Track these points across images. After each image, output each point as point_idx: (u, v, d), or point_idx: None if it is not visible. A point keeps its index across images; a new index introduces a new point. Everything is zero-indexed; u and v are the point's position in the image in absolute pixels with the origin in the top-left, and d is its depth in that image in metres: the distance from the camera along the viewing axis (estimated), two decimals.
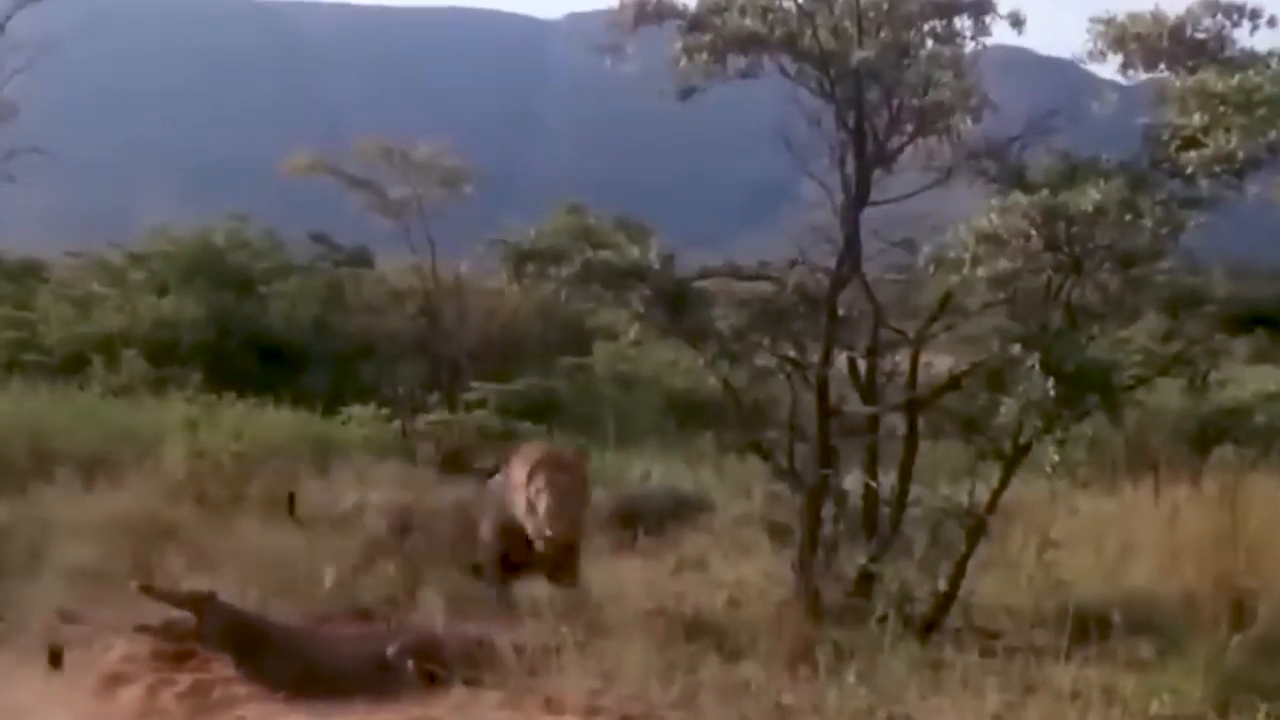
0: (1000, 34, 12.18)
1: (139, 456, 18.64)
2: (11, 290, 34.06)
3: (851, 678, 9.72)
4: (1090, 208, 10.42)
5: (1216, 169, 10.81)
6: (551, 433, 23.65)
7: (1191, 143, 10.87)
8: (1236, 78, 10.69)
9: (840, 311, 12.47)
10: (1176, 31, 11.31)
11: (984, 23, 11.99)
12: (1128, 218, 10.51)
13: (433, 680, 10.20)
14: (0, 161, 21.27)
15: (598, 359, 29.37)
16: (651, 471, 20.65)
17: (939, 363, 13.17)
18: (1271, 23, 11.34)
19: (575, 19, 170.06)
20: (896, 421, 12.57)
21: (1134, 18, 11.34)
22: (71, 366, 27.71)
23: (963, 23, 12.02)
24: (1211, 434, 19.14)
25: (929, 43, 12.10)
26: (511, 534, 12.11)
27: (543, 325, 31.38)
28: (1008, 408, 10.86)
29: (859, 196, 12.17)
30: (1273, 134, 10.52)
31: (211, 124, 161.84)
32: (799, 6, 11.97)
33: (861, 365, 12.52)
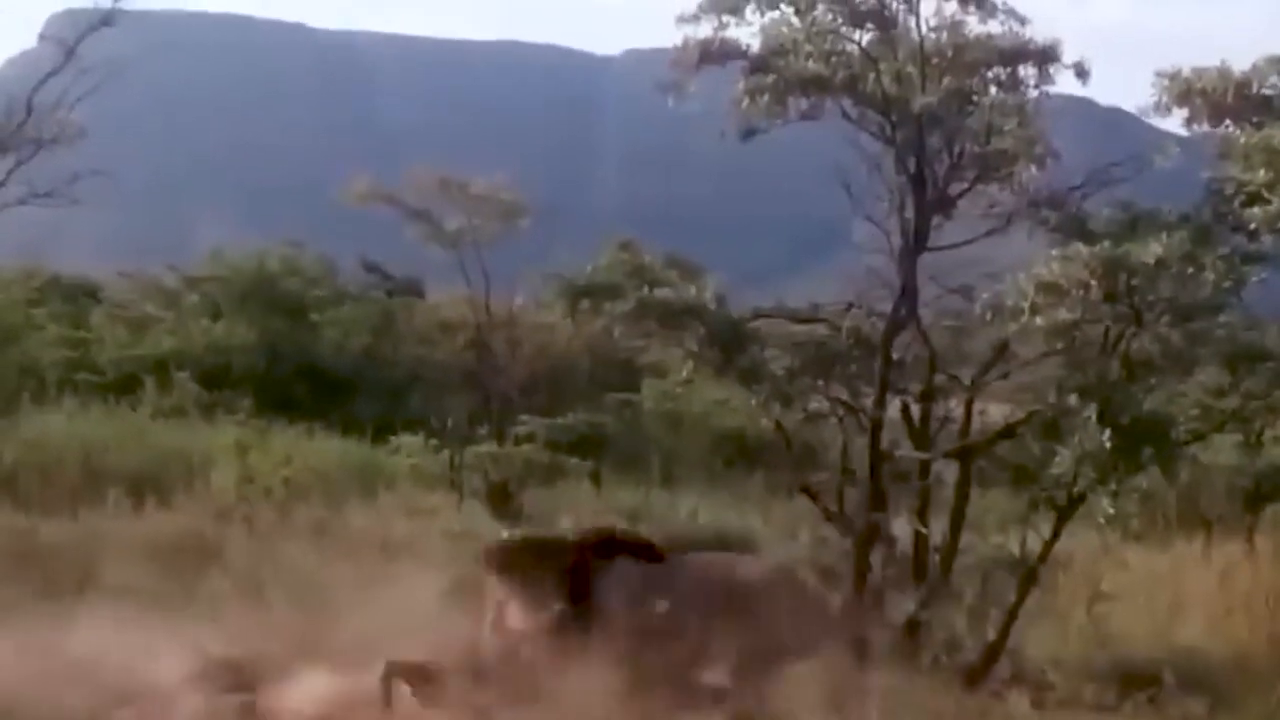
0: (1058, 83, 12.19)
1: (188, 478, 18.74)
2: (66, 310, 34.31)
3: None
4: (1152, 260, 10.38)
5: None
6: (599, 470, 23.63)
7: (1255, 198, 10.81)
8: None
9: (894, 356, 12.42)
10: (1242, 87, 11.25)
11: (1048, 71, 11.97)
12: (1189, 271, 10.46)
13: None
14: (65, 184, 21.40)
15: (646, 396, 29.32)
16: (698, 511, 20.57)
17: (992, 411, 13.10)
18: None
19: (633, 55, 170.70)
20: (944, 468, 12.51)
21: (1199, 72, 11.29)
22: (123, 387, 27.84)
23: (1027, 71, 12.00)
24: (1265, 491, 18.92)
25: (992, 90, 12.09)
26: None
27: (592, 361, 31.36)
28: (1063, 458, 10.80)
29: (917, 241, 12.13)
30: None
31: (268, 149, 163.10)
32: (863, 50, 11.97)
33: (915, 410, 12.46)
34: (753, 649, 10.08)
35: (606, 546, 10.51)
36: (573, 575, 10.30)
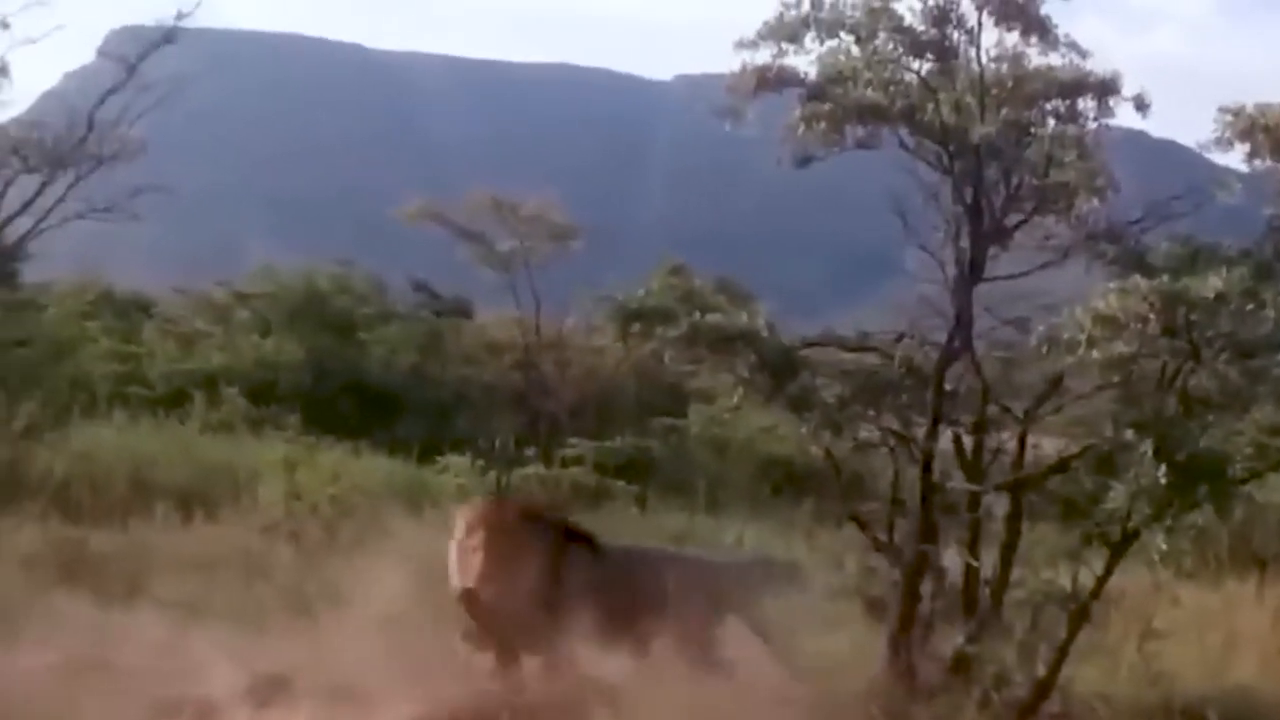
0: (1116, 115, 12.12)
1: (235, 493, 18.82)
2: (118, 324, 34.57)
3: None
4: (1212, 295, 10.28)
5: None
6: (645, 494, 23.61)
7: None
8: None
9: (947, 387, 12.34)
10: None
11: (1108, 104, 11.89)
12: (1249, 307, 10.36)
13: None
14: (125, 199, 21.61)
15: (693, 421, 29.30)
16: (743, 537, 20.49)
17: (1045, 444, 13.00)
18: None
19: (684, 80, 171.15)
20: (994, 501, 12.40)
21: (1263, 108, 11.21)
22: (173, 401, 28.03)
23: (1086, 103, 11.93)
24: None
25: (1050, 122, 12.03)
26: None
27: (639, 385, 31.33)
28: (1117, 493, 10.70)
29: (972, 272, 12.06)
30: None
31: (322, 168, 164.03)
32: (921, 80, 11.93)
33: (967, 442, 12.36)
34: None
35: (570, 533, 11.41)
36: (553, 552, 11.03)
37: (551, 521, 11.69)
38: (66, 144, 20.55)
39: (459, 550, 11.08)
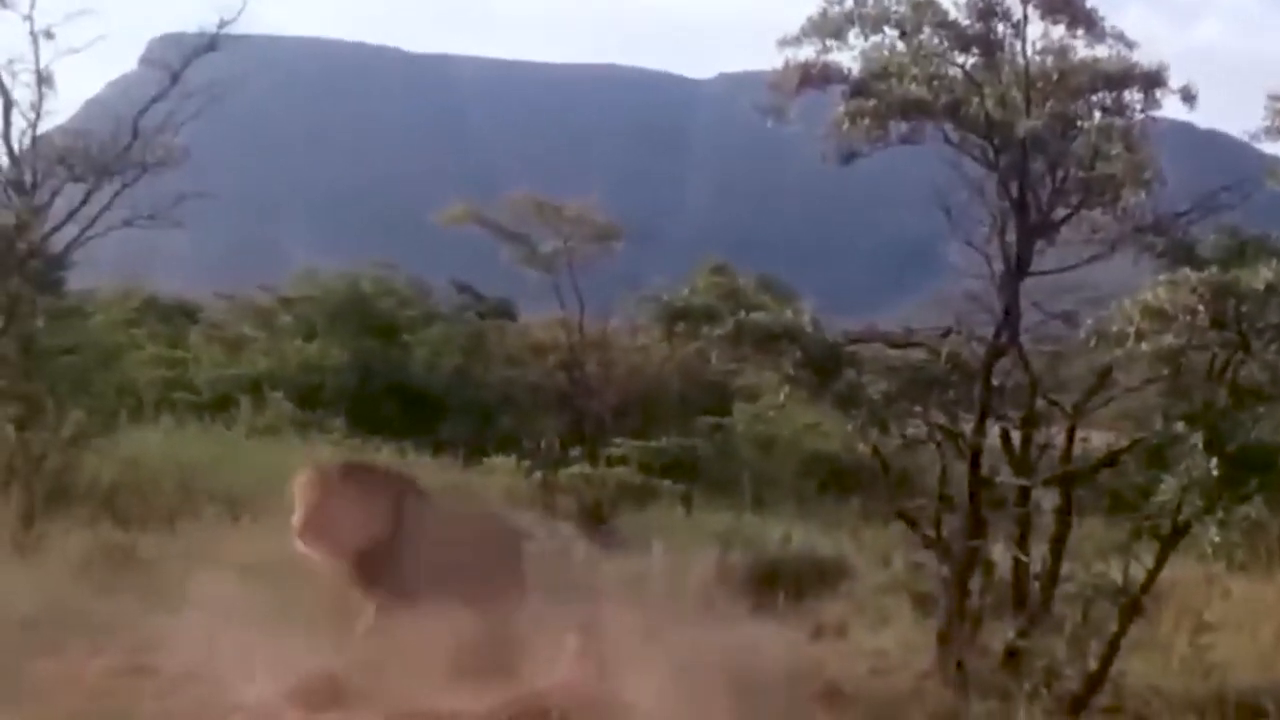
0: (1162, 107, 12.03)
1: (282, 496, 18.87)
2: (164, 330, 34.82)
3: None
4: (1261, 286, 10.20)
5: None
6: (690, 493, 23.61)
7: None
8: None
9: (994, 381, 12.29)
10: None
11: (1154, 96, 11.81)
12: None
13: None
14: (169, 206, 21.70)
15: (738, 419, 29.29)
16: (790, 535, 20.45)
17: (1093, 438, 12.93)
18: None
19: (725, 78, 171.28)
20: (1042, 495, 12.34)
21: None
22: (219, 406, 28.22)
23: (1132, 95, 11.85)
24: None
25: (1096, 114, 11.96)
26: None
27: (683, 384, 31.33)
28: (1168, 486, 10.64)
29: (1019, 266, 12.01)
30: None
31: (362, 171, 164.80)
32: (966, 74, 11.88)
33: (1015, 437, 12.31)
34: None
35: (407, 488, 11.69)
36: (395, 506, 11.30)
37: (386, 477, 12.01)
38: (111, 152, 20.63)
39: (299, 518, 11.47)
